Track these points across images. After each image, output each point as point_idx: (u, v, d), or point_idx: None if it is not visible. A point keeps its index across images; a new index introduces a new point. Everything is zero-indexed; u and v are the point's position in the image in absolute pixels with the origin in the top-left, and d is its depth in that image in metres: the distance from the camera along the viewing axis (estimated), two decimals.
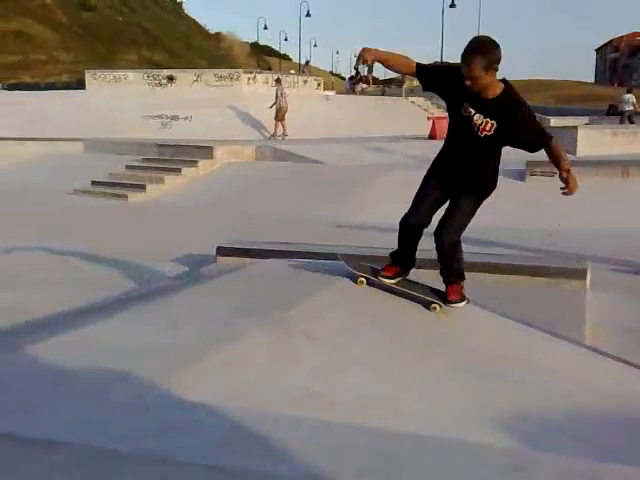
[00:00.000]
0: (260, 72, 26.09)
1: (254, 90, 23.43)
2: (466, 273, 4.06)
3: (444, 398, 2.79)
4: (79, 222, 10.96)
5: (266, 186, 13.41)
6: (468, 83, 3.43)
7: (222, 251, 6.95)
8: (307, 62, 41.99)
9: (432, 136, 17.59)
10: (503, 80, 3.58)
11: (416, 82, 34.07)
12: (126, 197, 13.88)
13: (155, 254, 8.12)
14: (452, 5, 40.22)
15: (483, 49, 3.43)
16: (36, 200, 13.28)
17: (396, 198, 10.87)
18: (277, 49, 79.64)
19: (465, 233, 3.89)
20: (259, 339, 2.95)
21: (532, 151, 3.70)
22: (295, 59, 71.83)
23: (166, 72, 25.10)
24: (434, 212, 3.89)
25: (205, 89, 23.62)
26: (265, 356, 2.81)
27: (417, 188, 3.92)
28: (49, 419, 2.04)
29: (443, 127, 17.40)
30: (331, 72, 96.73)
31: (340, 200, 11.21)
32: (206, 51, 67.32)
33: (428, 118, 19.20)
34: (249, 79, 23.86)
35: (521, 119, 3.56)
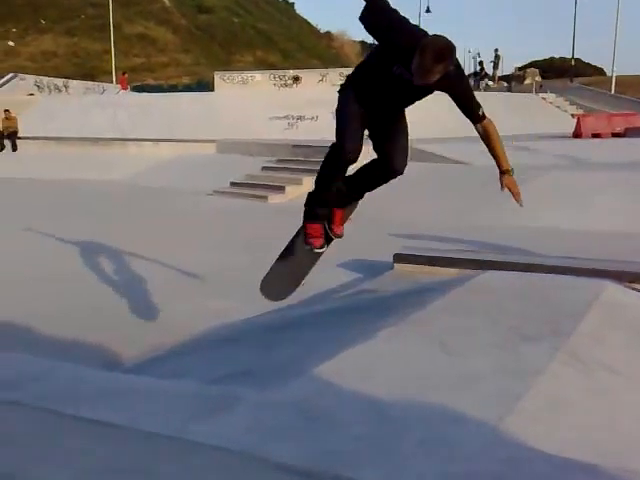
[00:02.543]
0: None
1: None
2: None
3: None
4: (231, 224, 11.06)
5: (409, 188, 13.00)
6: (418, 84, 3.16)
7: (400, 258, 6.71)
8: None
9: (577, 134, 16.69)
10: None
11: (538, 78, 32.43)
12: (266, 198, 13.92)
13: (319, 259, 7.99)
14: None
15: (449, 57, 3.08)
16: (180, 201, 13.57)
17: (557, 202, 10.32)
18: None
19: None
20: (560, 373, 2.63)
21: (468, 114, 3.39)
22: None
23: (292, 72, 25.27)
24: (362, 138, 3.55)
25: (330, 89, 23.52)
26: (579, 396, 2.49)
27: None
28: (420, 469, 1.82)
29: (589, 125, 16.39)
30: None
31: (496, 204, 10.69)
32: (318, 51, 67.81)
33: (572, 115, 18.27)
34: None
35: (459, 83, 3.33)
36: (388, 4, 3.30)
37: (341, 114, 3.55)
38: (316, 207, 3.76)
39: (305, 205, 3.82)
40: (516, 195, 3.51)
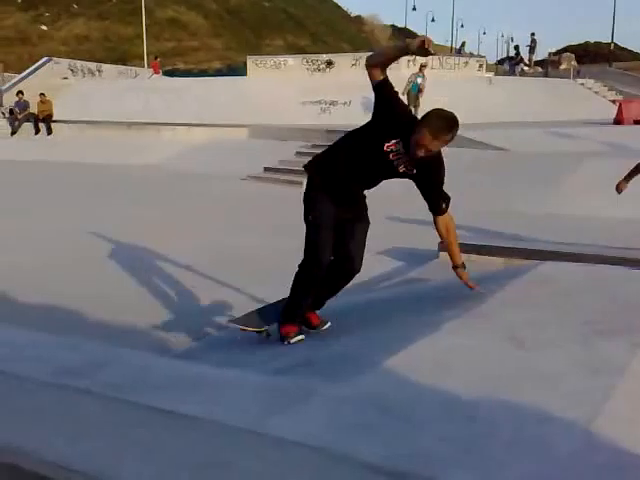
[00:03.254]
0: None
1: (414, 73, 22.81)
2: None
3: None
4: (268, 209, 11.02)
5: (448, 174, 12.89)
6: (421, 154, 3.24)
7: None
8: (463, 43, 40.82)
9: (618, 121, 16.31)
10: None
11: (574, 62, 31.89)
12: (300, 184, 13.75)
13: None
14: None
15: (456, 129, 3.24)
16: (214, 186, 13.54)
17: (601, 191, 10.06)
18: (416, 31, 78.31)
19: None
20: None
21: (430, 201, 3.53)
22: (436, 41, 70.32)
23: (325, 57, 25.03)
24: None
25: (364, 73, 23.24)
26: None
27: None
28: (515, 473, 1.73)
29: (632, 111, 15.99)
30: (470, 53, 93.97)
31: (536, 192, 10.51)
32: (348, 35, 67.26)
33: (613, 102, 17.84)
34: (409, 62, 23.25)
35: (438, 171, 3.46)
36: (392, 86, 3.54)
37: (317, 224, 3.56)
38: (294, 315, 3.75)
39: (284, 309, 3.80)
40: (471, 286, 3.59)
